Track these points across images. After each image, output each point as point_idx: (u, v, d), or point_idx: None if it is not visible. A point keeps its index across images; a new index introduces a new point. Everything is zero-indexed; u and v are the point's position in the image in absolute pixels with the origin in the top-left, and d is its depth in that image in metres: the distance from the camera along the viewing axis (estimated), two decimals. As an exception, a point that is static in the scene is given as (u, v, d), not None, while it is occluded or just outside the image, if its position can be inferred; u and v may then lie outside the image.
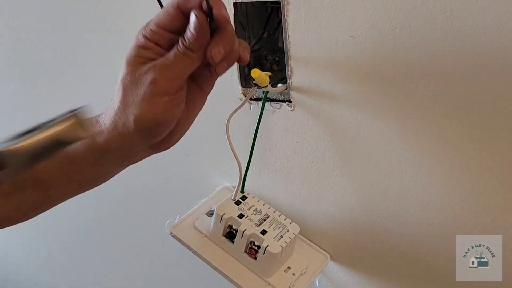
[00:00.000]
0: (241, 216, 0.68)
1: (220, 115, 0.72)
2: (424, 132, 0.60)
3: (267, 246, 0.65)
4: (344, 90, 0.63)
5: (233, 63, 0.47)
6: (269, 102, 0.69)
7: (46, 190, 0.47)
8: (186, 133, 0.81)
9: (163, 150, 0.50)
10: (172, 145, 0.50)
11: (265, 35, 0.72)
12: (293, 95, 0.67)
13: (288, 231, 0.68)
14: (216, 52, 0.43)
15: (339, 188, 0.69)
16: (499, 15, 0.50)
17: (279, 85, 0.67)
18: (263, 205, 0.71)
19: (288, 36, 0.63)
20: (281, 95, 0.68)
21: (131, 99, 0.43)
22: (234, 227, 0.68)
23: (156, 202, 0.95)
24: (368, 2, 0.56)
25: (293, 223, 0.69)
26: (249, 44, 0.69)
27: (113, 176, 0.51)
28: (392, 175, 0.65)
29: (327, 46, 0.61)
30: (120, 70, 0.45)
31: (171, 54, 0.44)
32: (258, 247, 0.66)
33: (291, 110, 0.68)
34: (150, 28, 0.44)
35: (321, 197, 0.72)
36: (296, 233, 0.68)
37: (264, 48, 0.73)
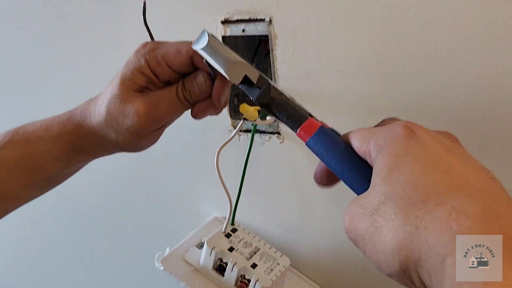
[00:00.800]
0: (231, 249, 0.68)
1: (210, 146, 0.72)
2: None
3: (258, 280, 0.64)
4: (331, 122, 0.63)
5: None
6: (259, 134, 0.70)
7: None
8: (175, 164, 0.82)
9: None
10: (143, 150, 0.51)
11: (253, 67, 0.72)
12: (282, 128, 0.67)
13: (278, 264, 0.67)
14: (201, 114, 0.48)
15: (329, 219, 0.69)
16: (480, 54, 0.51)
17: (268, 117, 0.67)
18: (253, 237, 0.71)
19: (276, 69, 0.64)
20: (270, 127, 0.69)
21: (115, 123, 0.45)
22: (224, 260, 0.68)
23: (146, 233, 0.94)
24: (354, 38, 0.57)
25: (283, 255, 0.69)
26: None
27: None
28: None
29: (315, 80, 0.62)
30: (113, 80, 0.45)
31: (167, 95, 0.45)
32: (249, 280, 0.66)
33: (280, 142, 0.68)
34: (155, 57, 0.44)
35: (311, 229, 0.72)
36: (286, 266, 0.68)
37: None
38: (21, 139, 0.48)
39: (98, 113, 0.46)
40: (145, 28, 0.56)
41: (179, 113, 0.48)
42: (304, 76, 0.62)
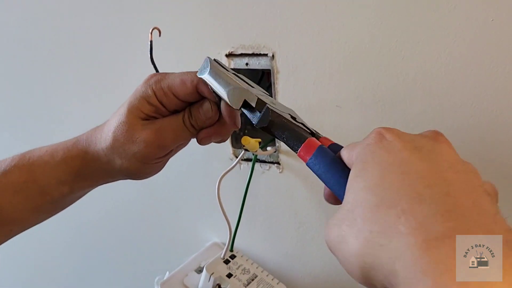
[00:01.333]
0: (229, 275, 0.70)
1: (211, 173, 0.74)
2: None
3: (254, 306, 0.66)
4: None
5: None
6: (259, 163, 0.72)
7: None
8: (177, 189, 0.83)
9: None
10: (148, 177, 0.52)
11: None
12: (282, 158, 0.70)
13: (275, 291, 0.69)
14: (207, 140, 0.49)
15: (325, 249, 0.71)
16: (474, 94, 0.54)
17: (268, 148, 0.69)
18: (252, 264, 0.73)
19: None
20: (270, 157, 0.71)
21: (121, 149, 0.46)
22: (222, 286, 0.69)
23: (146, 257, 0.96)
24: (352, 76, 0.60)
25: (280, 283, 0.71)
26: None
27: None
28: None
29: (314, 114, 0.64)
30: (120, 108, 0.47)
31: (174, 123, 0.47)
32: (246, 307, 0.67)
33: (279, 172, 0.70)
34: (162, 88, 0.46)
35: (308, 257, 0.74)
36: (283, 294, 0.69)
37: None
38: (27, 164, 0.49)
39: (104, 139, 0.47)
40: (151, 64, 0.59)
41: (185, 140, 0.49)
42: (304, 109, 0.65)
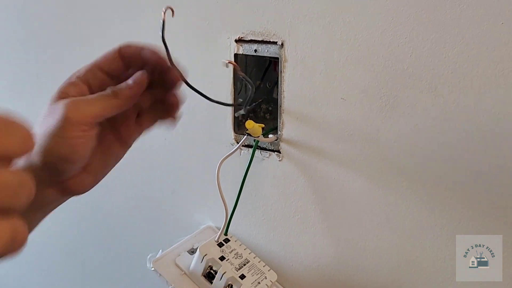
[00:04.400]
0: (222, 258, 0.70)
1: (211, 157, 0.75)
2: (402, 198, 0.63)
3: (244, 291, 0.67)
4: (331, 147, 0.66)
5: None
6: (259, 150, 0.72)
7: None
8: (174, 169, 0.84)
9: (76, 194, 0.46)
10: (85, 191, 0.47)
11: (261, 85, 0.75)
12: (283, 146, 0.70)
13: (266, 278, 0.70)
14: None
15: (318, 239, 0.72)
16: (479, 95, 0.55)
17: (270, 135, 0.70)
18: (244, 249, 0.73)
19: (283, 91, 0.67)
20: (271, 144, 0.71)
21: (41, 130, 0.42)
22: (214, 268, 0.70)
23: (140, 235, 0.96)
24: (359, 69, 0.60)
25: (271, 270, 0.71)
26: (246, 93, 0.73)
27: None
28: (369, 233, 0.67)
29: (319, 105, 0.65)
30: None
31: (95, 94, 0.44)
32: (235, 290, 0.68)
33: (279, 160, 0.71)
34: (84, 68, 0.45)
35: (300, 246, 0.74)
36: (273, 281, 0.70)
37: (259, 97, 0.77)
38: None
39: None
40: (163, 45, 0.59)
41: (108, 110, 0.43)
42: (309, 100, 0.65)
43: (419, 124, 0.59)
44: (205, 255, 0.70)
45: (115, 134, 0.48)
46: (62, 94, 0.43)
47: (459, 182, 0.60)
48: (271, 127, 0.72)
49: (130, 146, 0.49)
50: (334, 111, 0.64)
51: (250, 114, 0.77)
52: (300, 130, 0.68)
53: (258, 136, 0.67)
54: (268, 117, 0.77)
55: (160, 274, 0.73)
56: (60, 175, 0.44)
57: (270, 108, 0.77)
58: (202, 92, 0.53)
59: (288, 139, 0.69)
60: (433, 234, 0.63)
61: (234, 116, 0.74)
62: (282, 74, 0.67)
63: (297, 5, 0.63)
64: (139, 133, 0.50)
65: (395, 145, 0.61)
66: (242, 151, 0.75)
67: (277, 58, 0.67)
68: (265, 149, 0.72)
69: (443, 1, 0.54)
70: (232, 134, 0.74)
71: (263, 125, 0.67)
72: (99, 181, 0.48)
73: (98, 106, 0.42)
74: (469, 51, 0.54)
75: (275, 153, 0.71)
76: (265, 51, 0.67)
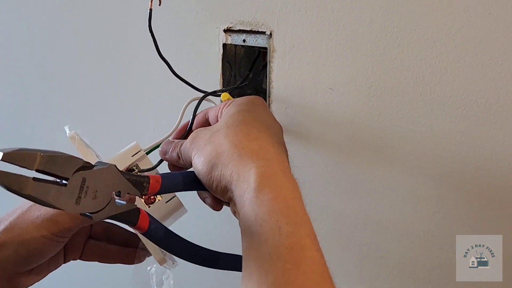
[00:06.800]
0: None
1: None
2: (390, 188, 0.64)
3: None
4: (319, 137, 0.66)
5: None
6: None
7: None
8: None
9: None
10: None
11: (250, 75, 0.75)
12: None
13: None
14: None
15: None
16: (465, 86, 0.55)
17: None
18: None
19: (271, 81, 0.67)
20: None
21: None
22: None
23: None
24: (347, 59, 0.60)
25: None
26: (235, 83, 0.73)
27: None
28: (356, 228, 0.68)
29: (307, 95, 0.65)
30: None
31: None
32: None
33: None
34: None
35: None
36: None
37: (248, 87, 0.77)
38: None
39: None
40: (150, 35, 0.59)
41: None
42: (297, 90, 0.65)
43: (406, 115, 0.59)
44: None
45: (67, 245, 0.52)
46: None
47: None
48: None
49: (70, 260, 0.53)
50: (322, 100, 0.64)
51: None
52: (288, 120, 0.68)
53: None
54: (257, 107, 0.77)
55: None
56: (25, 266, 0.47)
57: (259, 98, 0.77)
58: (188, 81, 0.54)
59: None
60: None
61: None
62: (271, 64, 0.66)
63: (285, -6, 0.62)
64: (89, 257, 0.55)
65: (382, 136, 0.61)
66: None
67: (266, 48, 0.67)
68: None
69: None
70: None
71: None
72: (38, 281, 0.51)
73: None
74: (456, 41, 0.54)
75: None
76: (254, 41, 0.67)
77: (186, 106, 0.60)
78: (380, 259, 0.72)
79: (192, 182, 0.46)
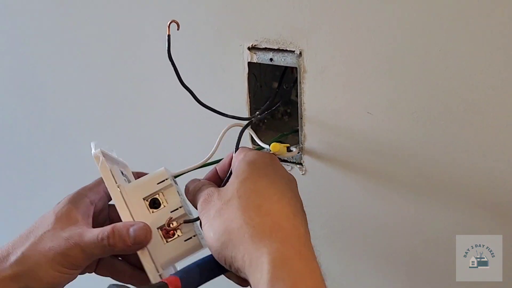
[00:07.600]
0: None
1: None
2: (431, 222, 0.61)
3: None
4: (357, 162, 0.62)
5: None
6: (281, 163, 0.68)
7: None
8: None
9: None
10: None
11: (279, 87, 0.70)
12: (305, 159, 0.66)
13: None
14: None
15: (344, 256, 0.69)
16: None
17: (293, 148, 0.65)
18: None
19: (304, 102, 0.62)
20: (292, 157, 0.67)
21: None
22: None
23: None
24: (387, 83, 0.55)
25: None
26: (261, 93, 0.69)
27: None
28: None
29: (343, 118, 0.60)
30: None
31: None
32: None
33: (302, 174, 0.67)
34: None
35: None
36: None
37: (277, 100, 0.72)
38: None
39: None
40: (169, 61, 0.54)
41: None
42: (332, 112, 0.61)
43: (455, 143, 0.54)
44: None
45: None
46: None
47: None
48: (290, 129, 0.69)
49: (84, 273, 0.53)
50: (359, 125, 0.59)
51: (267, 117, 0.73)
52: (323, 143, 0.63)
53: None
54: (286, 119, 0.73)
55: None
56: None
57: (288, 110, 0.73)
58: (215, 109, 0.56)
59: (310, 152, 0.65)
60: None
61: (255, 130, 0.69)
62: (302, 85, 0.61)
63: (315, 11, 0.56)
64: (103, 272, 0.56)
65: (426, 167, 0.57)
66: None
67: (295, 68, 0.61)
68: (286, 161, 0.68)
69: (470, 10, 0.48)
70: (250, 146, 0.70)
71: (288, 145, 0.62)
72: None
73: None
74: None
75: (298, 166, 0.67)
76: (282, 60, 0.62)
77: (223, 134, 0.59)
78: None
79: (209, 271, 0.47)
